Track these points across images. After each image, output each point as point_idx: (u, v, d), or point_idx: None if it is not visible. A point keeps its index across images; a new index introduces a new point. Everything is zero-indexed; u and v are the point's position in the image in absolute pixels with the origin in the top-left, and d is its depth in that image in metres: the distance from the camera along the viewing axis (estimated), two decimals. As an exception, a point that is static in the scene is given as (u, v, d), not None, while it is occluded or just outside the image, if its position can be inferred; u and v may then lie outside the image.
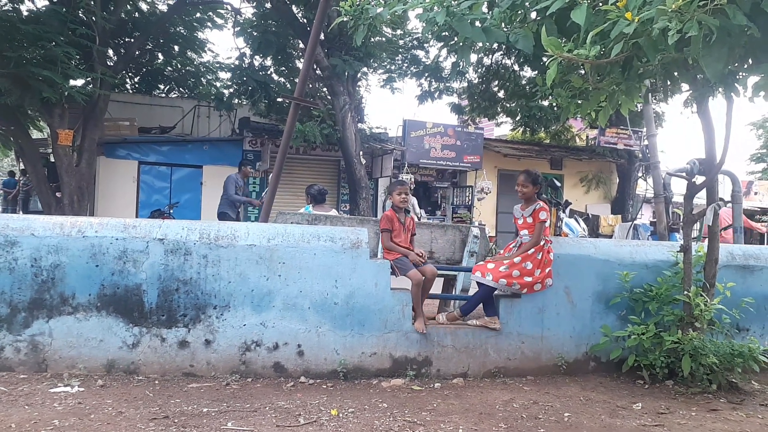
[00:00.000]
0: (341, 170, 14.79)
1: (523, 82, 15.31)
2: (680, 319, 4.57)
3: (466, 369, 4.60)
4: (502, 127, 20.59)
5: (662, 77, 4.31)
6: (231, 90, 14.78)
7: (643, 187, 17.24)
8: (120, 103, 13.97)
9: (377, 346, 4.44)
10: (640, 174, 17.17)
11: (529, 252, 4.61)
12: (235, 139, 14.41)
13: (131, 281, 4.18)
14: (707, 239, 4.86)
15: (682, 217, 6.13)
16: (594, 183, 17.92)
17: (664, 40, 2.91)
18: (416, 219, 5.66)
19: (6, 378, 3.92)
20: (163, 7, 13.87)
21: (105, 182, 13.06)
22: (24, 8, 10.96)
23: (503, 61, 15.02)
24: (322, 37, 11.37)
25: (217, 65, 16.37)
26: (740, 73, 3.96)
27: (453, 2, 3.79)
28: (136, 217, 12.92)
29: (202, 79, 16.44)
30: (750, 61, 3.77)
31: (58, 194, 11.46)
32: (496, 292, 4.70)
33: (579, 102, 4.54)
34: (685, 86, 4.71)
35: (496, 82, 16.00)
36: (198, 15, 14.30)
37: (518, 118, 17.03)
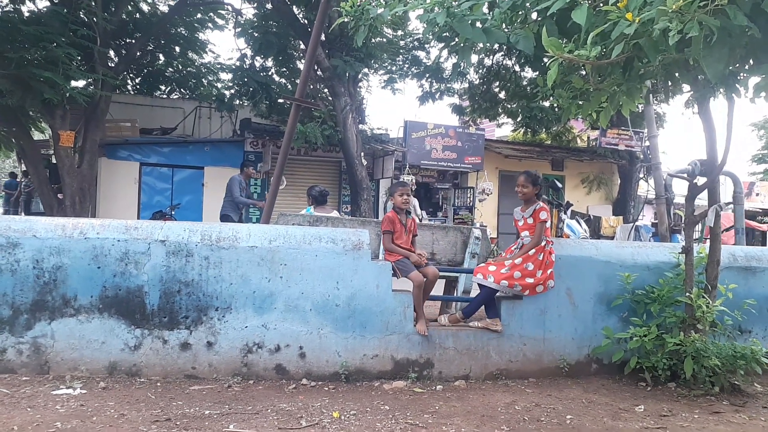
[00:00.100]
0: (342, 171, 14.78)
1: (524, 82, 15.31)
2: (682, 320, 4.56)
3: (468, 371, 4.59)
4: (503, 128, 20.59)
5: (663, 78, 4.30)
6: (232, 91, 14.78)
7: (645, 188, 17.22)
8: (121, 104, 13.98)
9: (379, 348, 4.43)
10: (641, 175, 17.13)
11: (530, 253, 4.61)
12: (236, 141, 14.41)
13: (133, 283, 4.18)
14: (709, 240, 4.86)
15: (683, 218, 6.12)
16: (595, 184, 17.90)
17: (664, 40, 2.90)
18: (417, 220, 5.65)
19: (8, 380, 3.92)
20: (164, 8, 13.89)
21: (106, 183, 13.07)
22: (25, 9, 10.99)
23: (504, 61, 15.03)
24: (323, 38, 11.35)
25: (218, 66, 16.38)
26: (741, 74, 3.96)
27: (453, 3, 3.79)
28: (138, 218, 12.93)
29: (204, 80, 16.44)
30: (751, 61, 3.76)
31: (59, 195, 11.49)
32: (497, 294, 4.69)
33: (580, 103, 4.54)
34: (686, 87, 4.71)
35: (497, 83, 16.00)
36: (199, 16, 14.31)
37: (519, 119, 17.01)
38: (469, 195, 15.73)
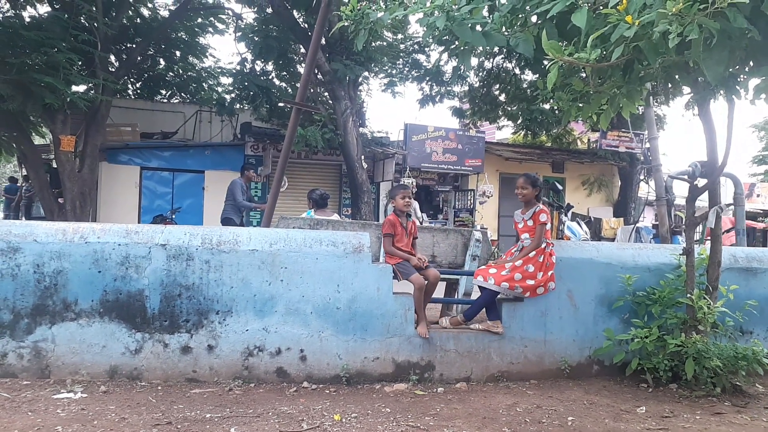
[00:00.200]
0: (343, 174, 14.80)
1: (524, 85, 15.30)
2: (683, 322, 4.56)
3: (469, 373, 4.59)
4: (504, 131, 20.57)
5: (663, 80, 4.31)
6: (232, 95, 14.79)
7: (645, 189, 17.22)
8: (122, 108, 14.00)
9: (380, 350, 4.43)
10: (642, 177, 17.14)
11: (531, 255, 4.60)
12: (236, 144, 14.43)
13: (134, 287, 4.19)
14: (709, 242, 4.85)
15: (684, 219, 6.12)
16: (596, 186, 17.90)
17: (664, 43, 2.91)
18: (418, 223, 5.66)
19: (9, 384, 3.92)
20: (165, 13, 13.92)
21: (107, 188, 13.08)
22: (26, 14, 11.03)
23: (504, 64, 15.01)
24: (323, 41, 11.38)
25: (219, 70, 16.40)
26: (741, 76, 3.96)
27: (453, 7, 3.80)
28: (139, 222, 12.93)
29: (204, 84, 16.47)
30: (751, 63, 3.77)
31: (60, 200, 11.49)
32: (498, 296, 4.69)
33: (580, 105, 4.54)
34: (686, 89, 4.71)
35: (497, 86, 15.99)
36: (199, 20, 14.33)
37: (519, 121, 16.99)
38: (469, 197, 15.74)
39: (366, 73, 14.36)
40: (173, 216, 11.89)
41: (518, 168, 15.91)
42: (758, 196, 23.15)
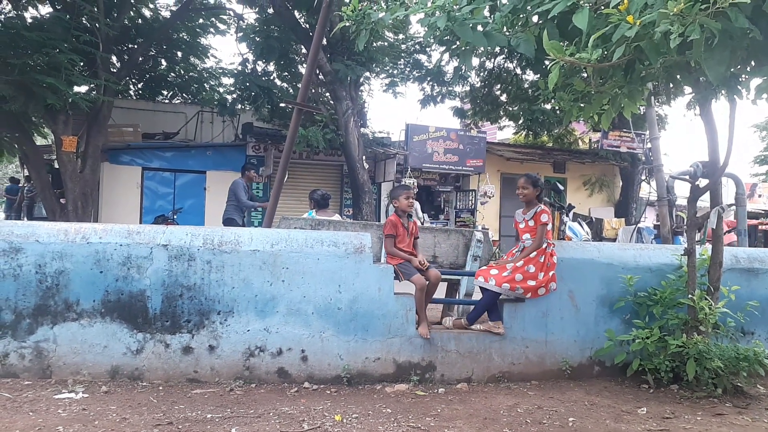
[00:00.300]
0: (344, 175, 14.80)
1: (526, 85, 15.31)
2: (685, 322, 4.55)
3: (470, 374, 4.58)
4: (505, 131, 20.59)
5: (664, 80, 4.30)
6: (234, 95, 14.82)
7: (647, 190, 17.22)
8: (123, 109, 14.02)
9: (381, 351, 4.43)
10: (643, 177, 17.14)
11: (532, 255, 4.60)
12: (238, 145, 14.44)
13: (135, 287, 4.19)
14: (711, 242, 4.85)
15: (685, 220, 6.11)
16: (597, 186, 17.89)
17: (666, 43, 2.91)
18: (419, 223, 5.66)
19: (10, 384, 3.93)
20: (166, 14, 13.93)
21: (109, 188, 13.10)
22: (28, 15, 11.06)
23: (505, 64, 15.02)
24: (324, 42, 11.39)
25: (220, 71, 16.43)
26: (743, 76, 3.96)
27: (454, 7, 3.80)
28: (140, 222, 12.95)
29: (205, 84, 16.50)
30: (752, 63, 3.76)
31: (62, 200, 11.51)
32: (500, 297, 4.69)
33: (581, 105, 4.54)
34: (687, 89, 4.71)
35: (499, 86, 16.00)
36: (201, 21, 14.36)
37: (521, 121, 17.01)
38: (470, 198, 15.74)
39: (367, 74, 14.37)
40: (175, 216, 11.90)
41: (519, 168, 15.90)
42: (760, 196, 23.13)
